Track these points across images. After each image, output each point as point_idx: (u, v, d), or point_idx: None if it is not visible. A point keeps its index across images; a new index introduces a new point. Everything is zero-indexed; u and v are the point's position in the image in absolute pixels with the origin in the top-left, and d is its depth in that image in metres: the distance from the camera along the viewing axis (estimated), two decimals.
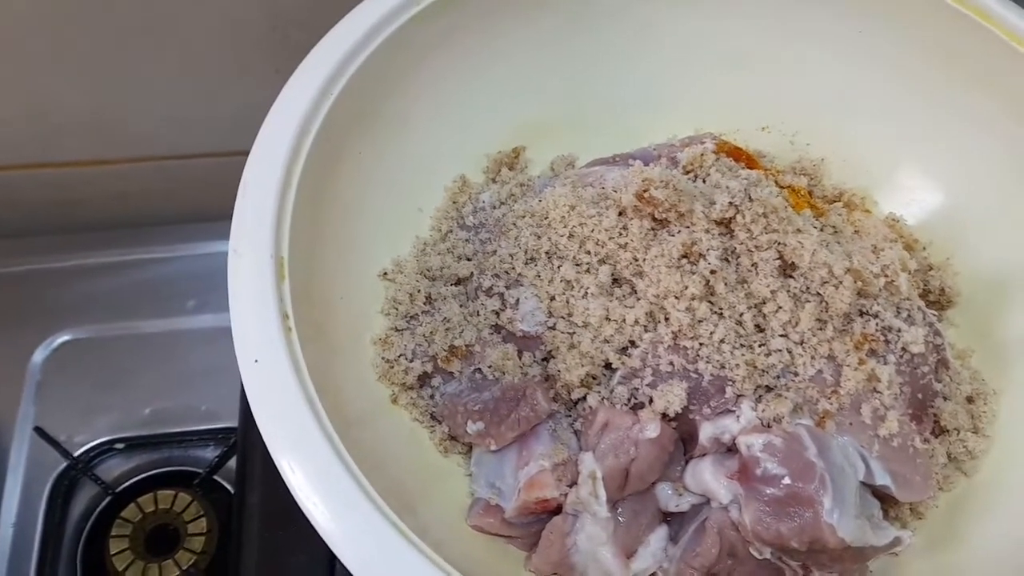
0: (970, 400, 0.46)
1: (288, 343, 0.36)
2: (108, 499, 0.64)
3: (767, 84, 0.53)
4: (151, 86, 0.67)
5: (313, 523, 0.34)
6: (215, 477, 0.65)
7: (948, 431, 0.45)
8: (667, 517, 0.43)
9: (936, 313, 0.47)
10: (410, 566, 0.34)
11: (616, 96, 0.54)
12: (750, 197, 0.43)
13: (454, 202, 0.51)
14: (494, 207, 0.50)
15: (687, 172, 0.48)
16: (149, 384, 0.68)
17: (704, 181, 0.47)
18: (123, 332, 0.71)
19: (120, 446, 0.66)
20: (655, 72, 0.54)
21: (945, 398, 0.45)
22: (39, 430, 0.65)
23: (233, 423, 0.66)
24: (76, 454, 0.65)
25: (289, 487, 0.35)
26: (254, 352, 0.36)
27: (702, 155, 0.47)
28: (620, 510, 0.41)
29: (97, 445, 0.66)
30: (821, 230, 0.46)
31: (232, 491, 0.64)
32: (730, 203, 0.43)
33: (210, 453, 0.66)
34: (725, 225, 0.44)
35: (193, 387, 0.68)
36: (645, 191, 0.43)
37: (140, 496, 0.63)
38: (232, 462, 0.65)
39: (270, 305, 0.37)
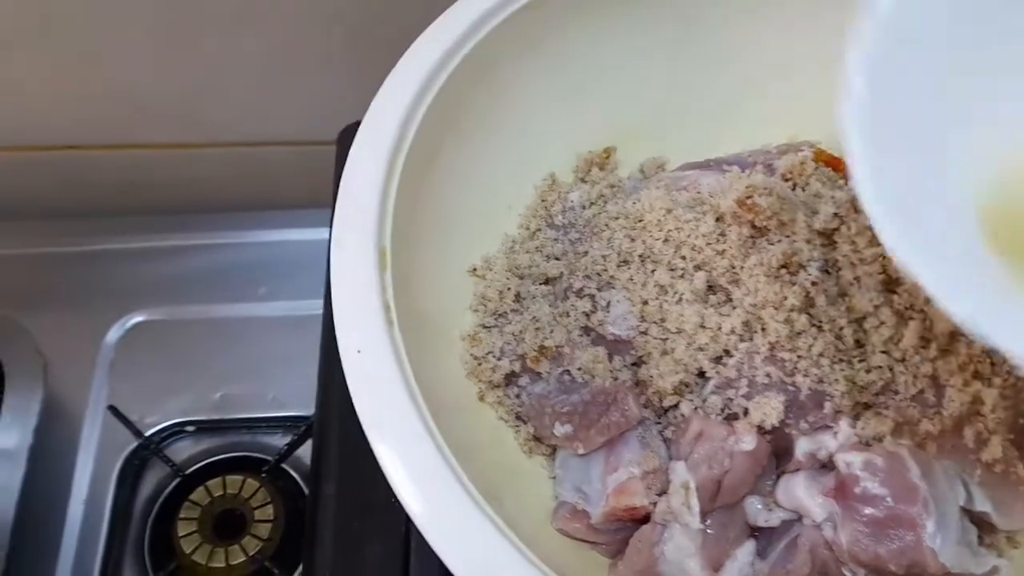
0: None
1: (391, 333, 0.36)
2: (177, 480, 0.64)
3: None
4: (234, 72, 0.68)
5: (407, 509, 0.34)
6: (283, 465, 0.65)
7: None
8: (755, 532, 0.42)
9: None
10: (504, 559, 0.34)
11: (709, 101, 0.53)
12: (855, 209, 0.42)
13: (543, 200, 0.51)
14: (584, 207, 0.50)
15: (785, 180, 0.47)
16: (220, 368, 0.69)
17: (803, 190, 0.46)
18: (196, 316, 0.72)
19: (190, 428, 0.67)
20: (751, 78, 0.53)
21: None
22: (112, 409, 0.66)
23: (302, 411, 0.66)
24: (147, 434, 0.66)
25: (386, 475, 0.34)
26: (357, 342, 0.36)
27: (802, 163, 0.46)
28: (709, 522, 0.41)
29: (168, 426, 0.67)
30: None
31: (299, 480, 0.65)
32: (835, 214, 0.42)
33: (278, 440, 0.66)
34: (827, 236, 0.43)
35: (262, 374, 0.69)
36: (748, 197, 0.42)
37: (209, 480, 0.64)
38: (300, 451, 0.65)
39: (373, 295, 0.37)
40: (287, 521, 0.62)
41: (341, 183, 0.40)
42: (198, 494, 0.63)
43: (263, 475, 0.64)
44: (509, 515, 0.36)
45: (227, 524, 0.62)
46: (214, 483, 0.63)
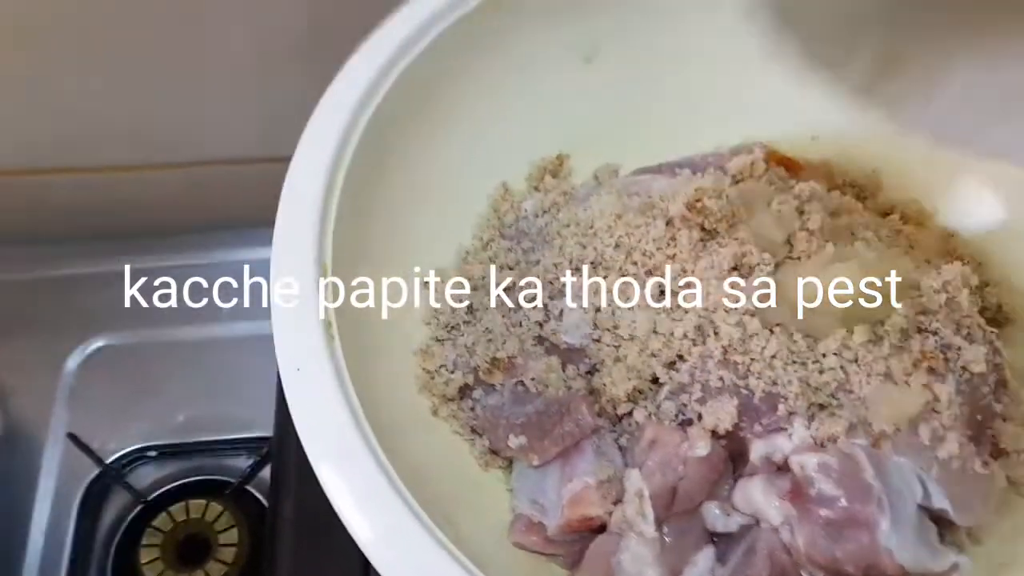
0: None
1: (331, 352, 0.36)
2: (140, 507, 0.63)
3: (818, 92, 0.52)
4: (184, 91, 0.67)
5: (352, 534, 0.33)
6: (247, 487, 0.64)
7: (1007, 453, 0.43)
8: (714, 537, 0.41)
9: (994, 331, 0.45)
10: None
11: (662, 104, 0.53)
12: (806, 208, 0.42)
13: (496, 210, 0.50)
14: (537, 216, 0.49)
15: (737, 182, 0.47)
16: (182, 392, 0.68)
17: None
18: (157, 339, 0.70)
19: (152, 454, 0.66)
20: (703, 80, 0.52)
21: (1004, 419, 0.43)
22: (72, 436, 0.65)
23: (266, 432, 0.65)
24: (108, 461, 0.64)
25: (329, 497, 0.34)
26: (296, 361, 0.35)
27: (753, 164, 0.46)
28: (666, 530, 0.40)
29: (130, 452, 0.65)
30: None
31: (264, 502, 0.64)
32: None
33: (242, 462, 0.65)
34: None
35: (226, 395, 0.68)
36: (697, 200, 0.42)
37: (172, 505, 0.63)
38: (264, 472, 0.64)
39: (313, 312, 0.36)
40: (252, 544, 0.61)
41: (280, 200, 0.39)
42: (161, 520, 0.62)
43: (226, 498, 0.63)
44: (463, 532, 0.36)
45: (191, 549, 0.61)
46: (177, 508, 0.62)
